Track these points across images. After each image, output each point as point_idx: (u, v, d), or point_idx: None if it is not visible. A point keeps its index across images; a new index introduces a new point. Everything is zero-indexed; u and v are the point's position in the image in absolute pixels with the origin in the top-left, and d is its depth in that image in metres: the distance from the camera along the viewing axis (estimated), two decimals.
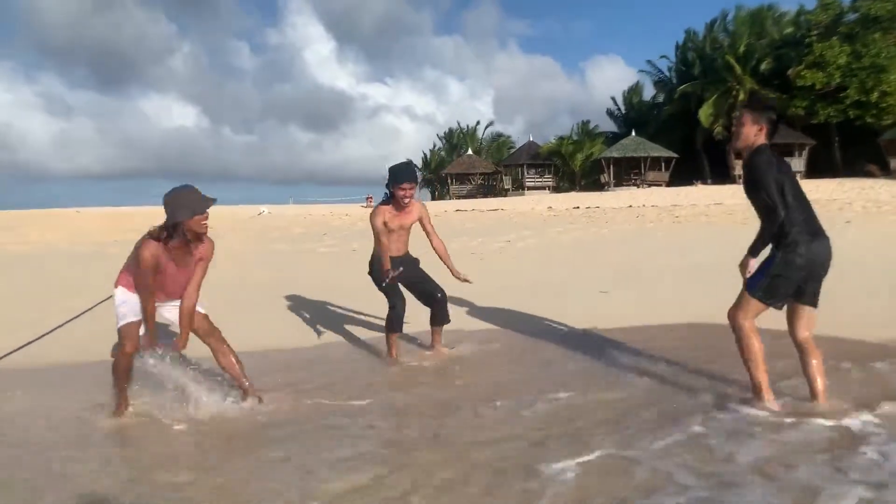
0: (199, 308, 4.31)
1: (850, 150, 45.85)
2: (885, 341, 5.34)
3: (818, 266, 3.59)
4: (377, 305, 6.88)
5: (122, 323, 4.17)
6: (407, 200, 5.29)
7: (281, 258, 12.47)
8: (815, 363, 3.66)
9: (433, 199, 64.59)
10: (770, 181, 3.48)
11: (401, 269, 5.38)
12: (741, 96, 47.46)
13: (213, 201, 4.07)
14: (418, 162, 73.46)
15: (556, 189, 55.52)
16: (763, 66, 47.38)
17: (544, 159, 56.33)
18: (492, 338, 6.27)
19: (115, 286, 4.26)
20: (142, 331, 4.16)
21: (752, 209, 3.70)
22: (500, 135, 72.33)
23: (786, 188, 3.52)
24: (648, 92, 61.46)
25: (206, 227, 4.08)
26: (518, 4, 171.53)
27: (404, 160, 5.66)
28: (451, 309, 5.79)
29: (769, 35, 48.93)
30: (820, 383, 3.66)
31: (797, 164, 45.89)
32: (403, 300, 5.45)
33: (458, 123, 72.78)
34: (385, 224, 5.39)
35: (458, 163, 60.62)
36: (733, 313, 3.69)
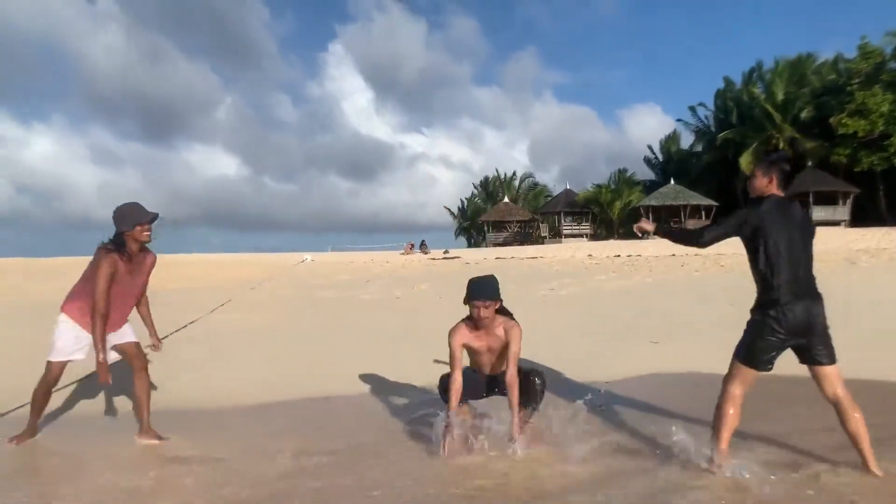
0: (133, 337, 4.67)
1: None
2: None
3: (803, 325, 3.50)
4: (424, 352, 6.93)
5: (54, 358, 4.48)
6: (485, 321, 4.37)
7: (327, 305, 12.60)
8: (856, 416, 3.53)
9: (469, 246, 64.82)
10: (725, 221, 3.68)
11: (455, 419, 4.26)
12: (781, 144, 47.19)
13: (154, 215, 4.51)
14: (454, 209, 74.04)
15: (594, 237, 55.31)
16: (804, 115, 47.07)
17: (581, 207, 56.29)
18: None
19: (62, 310, 4.52)
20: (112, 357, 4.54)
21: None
22: (536, 184, 72.62)
23: (779, 244, 3.52)
24: (686, 140, 61.44)
25: (148, 237, 4.52)
26: (556, 55, 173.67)
27: (488, 275, 4.52)
28: None
29: (810, 83, 48.63)
30: (864, 441, 3.52)
31: (841, 212, 45.15)
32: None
33: (497, 170, 73.40)
34: (466, 346, 4.50)
35: (494, 210, 60.90)
36: (724, 379, 3.71)
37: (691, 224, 48.72)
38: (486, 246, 55.55)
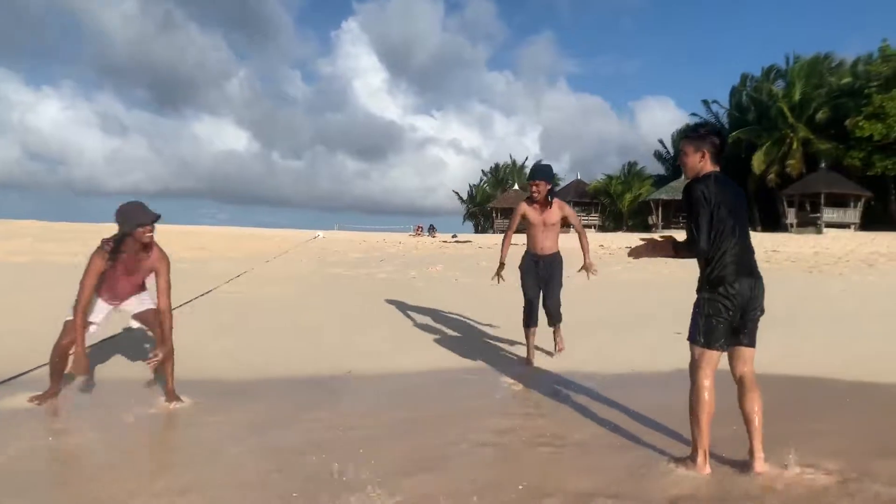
0: (151, 304, 4.76)
1: None
2: None
3: (747, 303, 3.47)
4: (444, 332, 6.89)
5: (70, 317, 4.50)
6: (536, 195, 6.07)
7: (344, 282, 12.61)
8: (752, 396, 3.50)
9: (476, 231, 64.75)
10: (699, 215, 3.40)
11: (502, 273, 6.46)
12: (795, 145, 46.94)
13: (157, 216, 4.47)
14: (463, 194, 73.92)
15: (603, 228, 55.21)
16: (819, 116, 46.65)
17: (591, 198, 56.15)
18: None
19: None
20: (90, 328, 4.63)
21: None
22: None
23: (727, 222, 3.42)
24: None
25: (150, 237, 4.51)
26: (572, 42, 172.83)
27: (546, 162, 6.34)
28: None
29: (827, 84, 48.22)
30: (757, 424, 3.47)
31: (851, 215, 44.99)
32: (535, 296, 6.24)
33: (511, 156, 73.28)
34: (524, 216, 6.18)
35: (504, 198, 60.78)
36: (690, 370, 3.58)
37: None
38: (494, 232, 55.49)
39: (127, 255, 4.50)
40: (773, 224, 46.02)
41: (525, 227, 6.28)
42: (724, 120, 56.05)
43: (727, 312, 3.47)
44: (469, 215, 73.26)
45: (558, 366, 6.29)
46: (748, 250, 3.55)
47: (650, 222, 50.71)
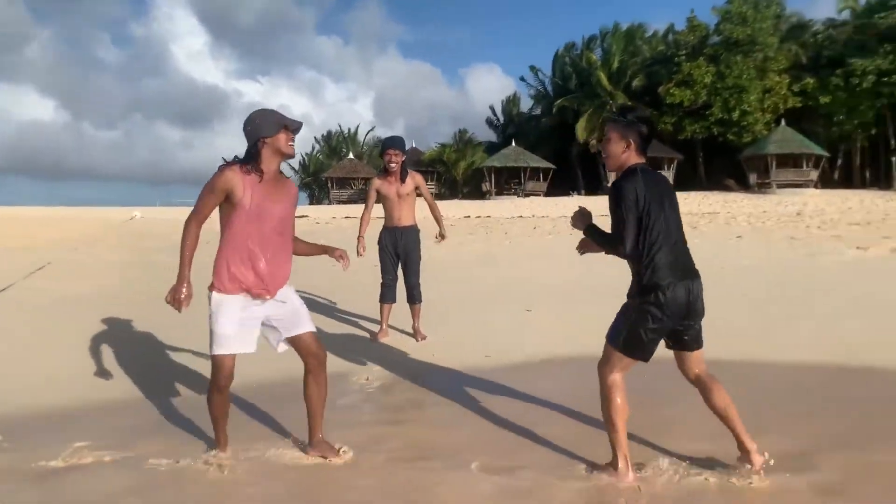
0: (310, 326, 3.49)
1: (713, 165, 48.96)
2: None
3: (684, 310, 3.12)
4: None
5: (219, 351, 3.30)
6: (393, 166, 6.03)
7: (163, 271, 11.22)
8: (718, 390, 3.23)
9: (311, 202, 62.98)
10: (626, 218, 3.03)
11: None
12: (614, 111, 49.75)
13: (300, 123, 3.37)
14: (295, 164, 71.63)
15: (439, 196, 55.60)
16: (635, 83, 49.67)
17: (427, 166, 56.26)
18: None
19: (210, 290, 3.34)
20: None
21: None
22: (381, 140, 71.68)
23: (658, 221, 3.06)
24: (526, 103, 63.01)
25: (292, 149, 3.36)
26: (400, 8, 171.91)
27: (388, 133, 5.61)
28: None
29: (641, 53, 51.34)
30: (735, 416, 3.21)
31: (666, 176, 48.40)
32: (393, 274, 6.29)
33: (340, 126, 71.58)
34: (378, 192, 6.19)
35: (339, 167, 59.32)
36: (599, 366, 3.25)
37: (530, 185, 50.29)
38: (331, 203, 54.17)
39: (269, 178, 3.30)
40: (596, 188, 48.43)
41: (381, 201, 6.29)
42: (550, 88, 58.12)
43: (659, 322, 3.07)
44: (303, 185, 71.05)
45: (420, 355, 5.77)
46: (682, 250, 3.17)
47: (484, 189, 51.68)
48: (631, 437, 3.27)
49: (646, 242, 3.06)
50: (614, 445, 3.17)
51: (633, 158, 3.21)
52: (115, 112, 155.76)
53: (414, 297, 6.32)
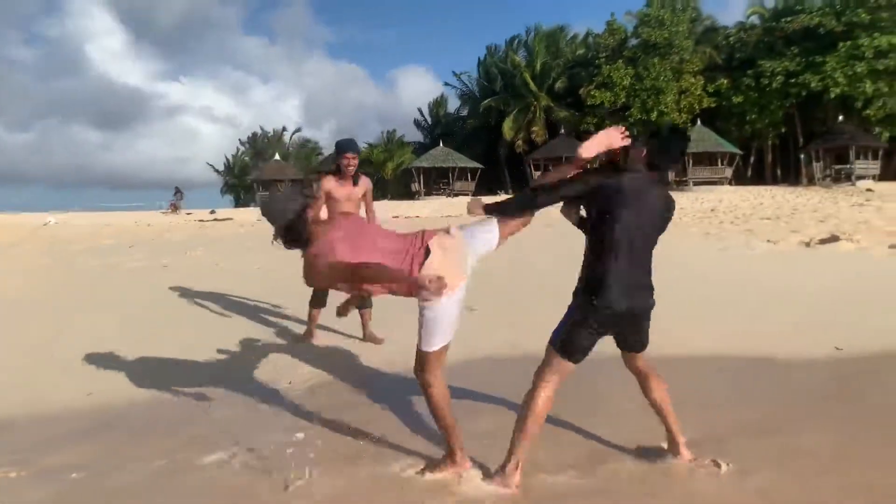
0: None
1: None
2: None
3: (625, 319, 3.18)
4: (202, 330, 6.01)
5: (434, 346, 3.31)
6: (350, 169, 5.96)
7: (88, 276, 10.83)
8: (656, 382, 3.41)
9: (237, 205, 61.60)
10: (576, 186, 3.16)
11: None
12: (538, 113, 50.59)
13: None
14: (220, 167, 69.93)
15: None
16: (558, 85, 50.69)
17: None
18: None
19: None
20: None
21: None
22: (308, 141, 70.72)
23: (627, 226, 3.07)
24: (453, 104, 63.39)
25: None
26: (325, 8, 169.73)
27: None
28: None
29: (563, 55, 52.41)
30: (670, 409, 3.38)
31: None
32: None
33: (262, 128, 70.18)
34: (329, 193, 5.99)
35: (265, 168, 58.13)
36: (538, 369, 3.22)
37: (459, 185, 50.57)
38: (257, 206, 53.10)
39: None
40: (522, 187, 48.97)
41: (327, 202, 6.05)
42: (476, 89, 58.63)
43: (598, 324, 3.11)
44: (228, 188, 69.40)
45: (361, 358, 5.76)
46: (644, 263, 3.20)
47: (413, 189, 51.69)
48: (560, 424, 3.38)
49: (606, 242, 3.08)
50: (513, 448, 3.16)
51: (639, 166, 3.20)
52: (29, 113, 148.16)
53: (364, 302, 6.08)
